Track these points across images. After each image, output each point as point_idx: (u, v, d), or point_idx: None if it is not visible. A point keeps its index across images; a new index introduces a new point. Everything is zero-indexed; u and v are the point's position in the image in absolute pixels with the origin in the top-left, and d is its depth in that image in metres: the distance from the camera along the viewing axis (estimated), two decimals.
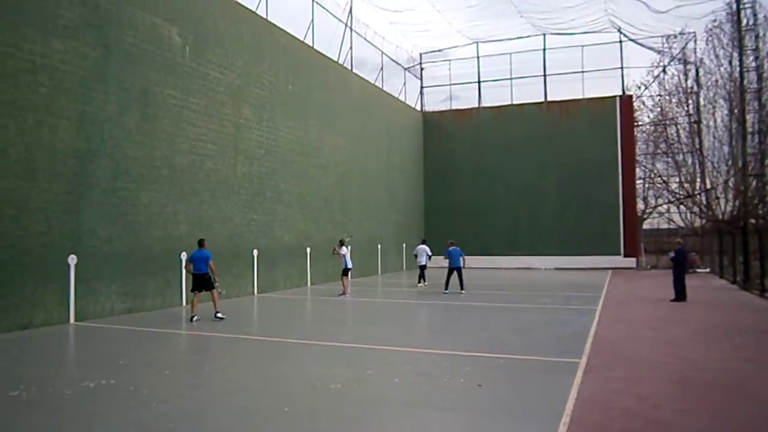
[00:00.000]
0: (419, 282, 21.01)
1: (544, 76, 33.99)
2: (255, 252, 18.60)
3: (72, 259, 12.49)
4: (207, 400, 6.72)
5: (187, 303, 15.53)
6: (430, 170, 35.41)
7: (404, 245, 31.59)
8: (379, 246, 28.26)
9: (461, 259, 18.87)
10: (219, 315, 12.90)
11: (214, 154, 17.00)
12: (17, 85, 11.53)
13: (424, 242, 21.88)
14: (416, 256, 21.30)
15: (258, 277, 18.69)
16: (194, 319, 12.75)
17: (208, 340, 10.95)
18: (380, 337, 11.07)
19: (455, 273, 18.86)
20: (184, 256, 15.05)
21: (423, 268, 21.10)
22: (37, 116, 11.91)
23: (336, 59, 25.50)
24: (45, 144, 12.05)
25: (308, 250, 21.77)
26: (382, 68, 30.94)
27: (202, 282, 12.99)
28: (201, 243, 13.24)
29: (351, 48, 27.24)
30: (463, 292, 18.44)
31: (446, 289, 18.64)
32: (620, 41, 32.76)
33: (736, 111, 24.74)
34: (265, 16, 20.12)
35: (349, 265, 18.50)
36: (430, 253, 21.20)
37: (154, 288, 14.73)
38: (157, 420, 5.92)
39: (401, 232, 31.37)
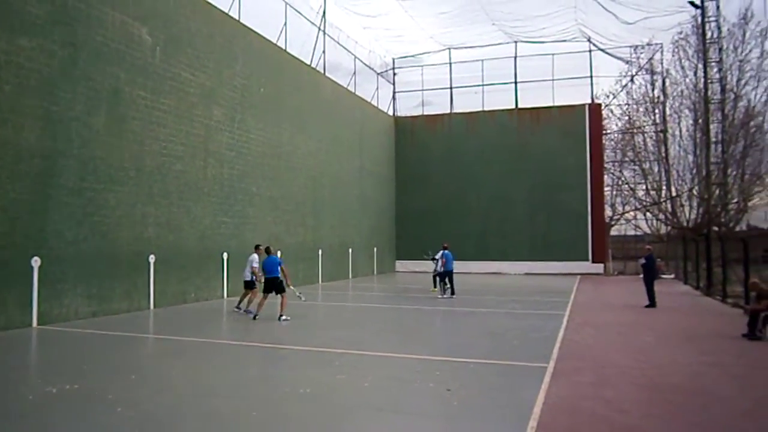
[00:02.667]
0: (446, 291, 19.36)
1: (515, 83, 34.39)
2: (225, 255, 18.42)
3: (35, 261, 12.21)
4: (173, 404, 6.62)
5: (155, 306, 15.31)
6: (402, 175, 35.51)
7: (375, 249, 31.62)
8: (350, 250, 28.23)
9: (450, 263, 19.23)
10: (284, 318, 13.20)
11: (184, 156, 16.80)
12: None
13: (446, 249, 19.76)
14: (434, 259, 20.32)
15: (228, 280, 18.49)
16: (256, 317, 13.35)
17: (176, 344, 10.79)
18: (351, 341, 11.04)
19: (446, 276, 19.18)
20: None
21: (439, 275, 19.76)
22: (1, 114, 11.62)
23: (309, 63, 25.43)
24: (9, 143, 11.76)
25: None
26: (354, 73, 30.96)
27: (274, 285, 13.52)
28: (268, 250, 14.03)
29: (324, 52, 27.20)
30: (454, 296, 18.85)
31: (450, 293, 18.98)
32: (590, 50, 33.34)
33: (700, 121, 25.31)
34: (237, 18, 19.97)
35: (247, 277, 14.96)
36: (436, 257, 20.09)
37: (121, 291, 14.46)
38: (121, 425, 5.81)
39: (372, 237, 31.39)
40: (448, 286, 19.06)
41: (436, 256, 20.01)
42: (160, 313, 14.86)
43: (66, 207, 13.02)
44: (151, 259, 15.32)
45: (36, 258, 12.23)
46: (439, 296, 18.64)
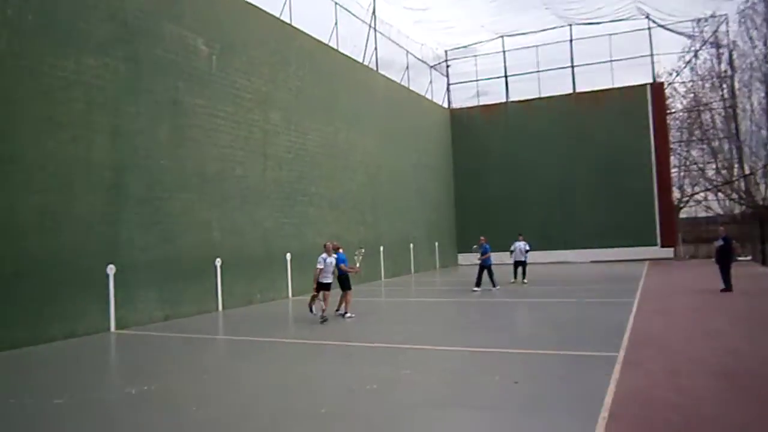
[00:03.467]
0: (517, 279, 20.44)
1: (572, 67, 33.56)
2: (288, 255, 18.77)
3: (110, 269, 12.78)
4: (244, 402, 6.81)
5: (224, 308, 15.76)
6: (460, 167, 35.24)
7: (436, 244, 31.53)
8: (411, 246, 28.25)
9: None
10: (348, 315, 13.48)
11: (243, 161, 17.21)
12: (53, 102, 11.85)
13: (520, 237, 20.97)
14: (512, 252, 20.63)
15: (292, 280, 18.85)
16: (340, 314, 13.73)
17: (245, 344, 11.09)
18: (415, 336, 11.07)
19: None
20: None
21: (519, 264, 20.48)
22: (73, 131, 12.21)
23: (361, 61, 25.57)
24: (81, 158, 12.34)
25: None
26: (407, 67, 30.92)
27: (341, 282, 13.76)
28: (337, 248, 14.00)
29: (376, 49, 27.28)
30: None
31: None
32: (649, 28, 32.11)
33: None
34: (289, 22, 20.28)
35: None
36: (528, 248, 20.62)
37: (190, 295, 14.97)
38: (197, 423, 6.03)
39: (433, 231, 31.31)
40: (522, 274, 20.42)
41: (512, 248, 20.54)
42: (229, 314, 15.29)
43: (135, 216, 13.57)
44: (218, 262, 15.78)
45: (111, 265, 12.80)
46: (492, 288, 18.33)
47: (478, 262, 18.74)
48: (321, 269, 12.81)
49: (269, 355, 9.84)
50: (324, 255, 12.97)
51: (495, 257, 19.06)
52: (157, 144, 14.32)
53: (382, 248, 25.19)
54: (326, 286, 12.93)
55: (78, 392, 7.46)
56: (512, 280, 20.32)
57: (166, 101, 14.64)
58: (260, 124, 18.05)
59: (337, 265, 13.57)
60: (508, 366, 8.04)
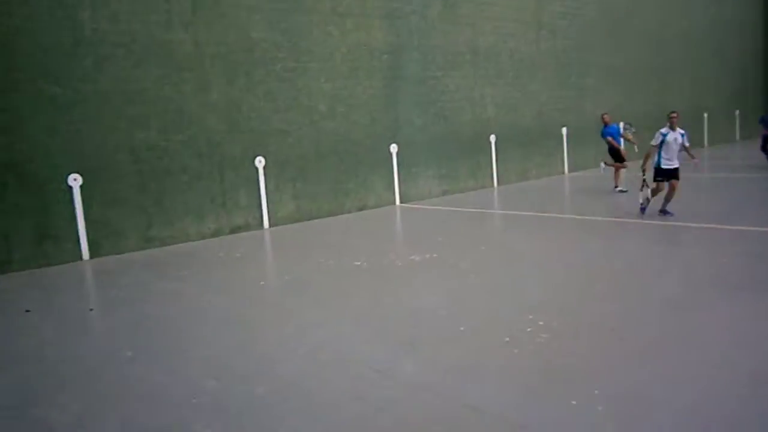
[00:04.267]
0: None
1: None
2: (564, 130, 18.10)
3: (394, 148, 13.77)
4: (518, 272, 6.99)
5: (498, 184, 16.08)
6: None
7: (737, 113, 27.39)
8: (706, 115, 25.00)
9: None
10: (619, 189, 13.32)
11: (515, 32, 16.62)
12: None
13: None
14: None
15: (568, 155, 18.26)
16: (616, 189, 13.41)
17: (518, 218, 11.24)
18: (709, 214, 10.04)
19: None
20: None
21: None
22: (355, 19, 12.99)
23: None
24: (363, 44, 13.16)
25: (620, 125, 20.36)
26: None
27: (613, 154, 13.68)
28: (604, 118, 14.01)
29: None
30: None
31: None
32: None
33: None
34: None
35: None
36: None
37: (466, 171, 15.49)
38: (472, 288, 6.41)
39: (733, 99, 27.12)
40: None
41: None
42: (503, 190, 15.55)
43: (413, 96, 14.21)
44: (492, 138, 15.93)
45: (394, 144, 13.78)
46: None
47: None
48: (655, 147, 9.88)
49: (543, 228, 9.85)
50: (664, 129, 9.93)
51: None
52: (430, 24, 14.52)
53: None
54: (669, 173, 9.81)
55: (372, 256, 8.42)
56: None
57: None
58: None
59: (608, 135, 12.91)
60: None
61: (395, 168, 13.84)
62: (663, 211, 9.87)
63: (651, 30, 21.78)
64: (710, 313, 5.21)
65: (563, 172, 18.20)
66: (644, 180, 10.11)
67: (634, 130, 14.80)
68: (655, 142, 9.82)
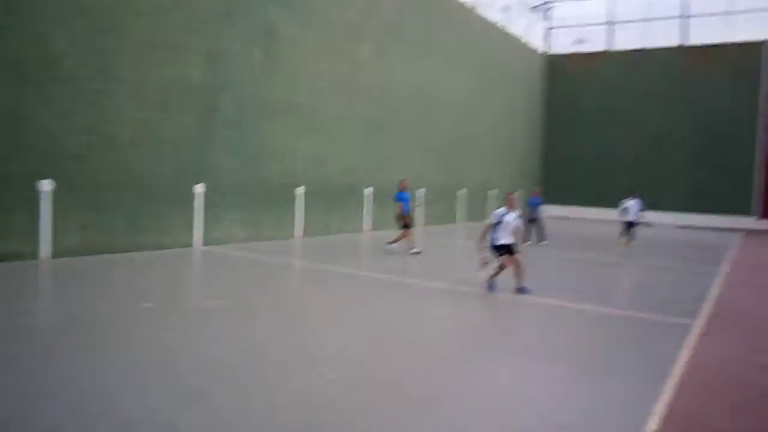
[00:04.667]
0: (627, 241, 17.36)
1: (684, 17, 31.19)
2: (368, 190, 18.97)
3: (199, 188, 13.34)
4: (316, 323, 7.06)
5: (302, 235, 16.26)
6: (553, 115, 34.06)
7: (520, 192, 30.89)
8: (495, 191, 27.85)
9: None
10: (413, 250, 13.83)
11: (332, 92, 17.29)
12: (155, 24, 12.20)
13: (631, 195, 17.97)
14: (622, 211, 17.62)
15: (370, 214, 19.11)
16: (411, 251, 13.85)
17: (316, 271, 11.41)
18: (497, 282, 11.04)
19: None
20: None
21: (629, 224, 17.47)
22: (173, 52, 12.58)
23: None
24: (178, 78, 12.76)
25: (423, 191, 21.89)
26: (506, 8, 29.67)
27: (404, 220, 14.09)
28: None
29: None
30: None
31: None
32: None
33: None
34: None
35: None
36: (641, 210, 17.69)
37: (271, 219, 15.48)
38: (270, 335, 6.34)
39: (517, 179, 30.67)
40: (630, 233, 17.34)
41: (623, 206, 17.60)
42: (306, 242, 15.75)
43: (225, 139, 14.01)
44: (299, 190, 16.17)
45: (200, 184, 13.35)
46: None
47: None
48: (490, 226, 9.61)
49: (337, 284, 10.10)
50: (501, 210, 9.67)
51: (575, 212, 18.42)
52: (249, 70, 14.57)
53: (464, 191, 24.97)
54: (502, 249, 9.50)
55: (162, 299, 7.96)
56: (626, 243, 17.29)
57: (260, 28, 14.77)
58: (351, 55, 17.98)
59: (400, 201, 14.01)
60: (581, 321, 7.91)
61: (199, 209, 13.38)
62: (520, 289, 9.44)
63: (456, 109, 23.99)
64: (479, 371, 5.70)
65: (364, 230, 18.96)
66: (482, 259, 9.62)
67: (418, 204, 15.82)
68: (492, 221, 9.56)
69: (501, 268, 9.64)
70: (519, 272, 9.47)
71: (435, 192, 22.76)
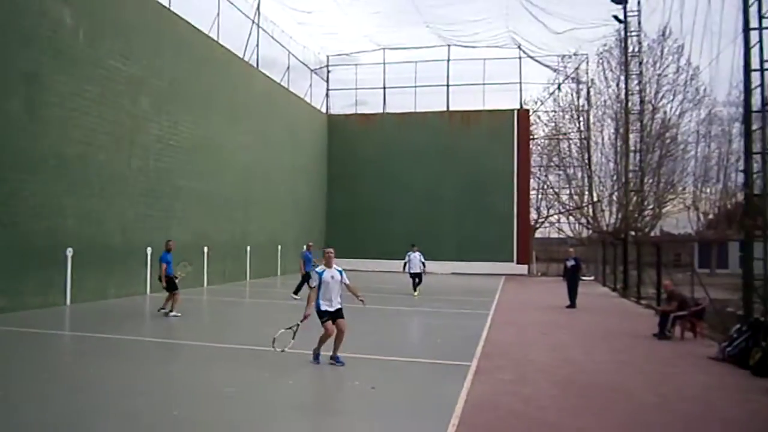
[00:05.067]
0: (415, 290, 19.54)
1: (447, 85, 34.93)
2: (149, 250, 17.85)
3: None
4: (90, 404, 6.39)
5: (72, 302, 14.69)
6: (334, 173, 35.46)
7: (305, 247, 31.34)
8: (280, 247, 27.94)
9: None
10: (174, 314, 13.28)
11: (107, 146, 16.17)
12: None
13: (414, 248, 20.13)
14: (407, 263, 19.96)
15: (152, 275, 17.94)
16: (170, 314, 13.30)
17: (91, 342, 10.40)
18: (277, 339, 10.94)
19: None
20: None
21: (415, 275, 19.74)
22: None
23: (242, 56, 24.99)
24: None
25: (206, 249, 21.18)
26: (288, 68, 30.64)
27: (169, 283, 13.66)
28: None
29: (257, 45, 26.78)
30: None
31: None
32: (520, 57, 34.23)
33: (621, 130, 26.39)
34: (168, 6, 19.38)
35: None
36: (423, 260, 19.98)
37: (34, 285, 13.78)
38: (32, 427, 5.56)
39: (303, 234, 31.14)
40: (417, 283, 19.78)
41: (407, 259, 20.04)
42: (77, 309, 14.27)
43: None
44: (69, 252, 14.68)
45: None
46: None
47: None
48: (314, 289, 8.61)
49: (120, 353, 9.30)
50: (319, 268, 8.78)
51: (360, 264, 19.23)
52: (8, 119, 13.09)
53: (249, 248, 24.68)
54: (332, 314, 8.50)
55: None
56: (414, 293, 19.24)
57: (21, 73, 13.42)
58: (129, 109, 17.07)
59: (164, 262, 13.74)
60: (366, 372, 8.17)
61: None
62: (334, 358, 8.50)
63: (240, 165, 23.82)
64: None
65: (146, 293, 17.72)
66: (298, 325, 8.72)
67: (189, 269, 15.33)
68: (313, 283, 8.57)
69: (327, 336, 8.46)
70: (339, 340, 8.51)
71: (221, 249, 22.20)
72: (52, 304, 14.21)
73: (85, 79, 15.31)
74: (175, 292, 13.57)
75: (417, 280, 19.69)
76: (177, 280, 13.82)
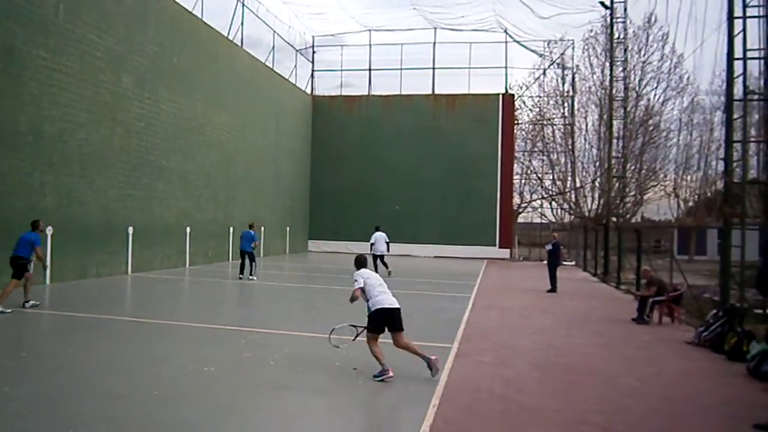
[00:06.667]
0: (388, 270, 19.42)
1: (433, 68, 34.80)
2: (130, 229, 17.69)
3: None
4: (68, 383, 6.34)
5: (52, 281, 14.53)
6: (318, 154, 35.27)
7: (288, 228, 31.32)
8: (263, 228, 27.81)
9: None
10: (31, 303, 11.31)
11: (88, 123, 15.93)
12: None
13: (379, 229, 20.54)
14: (373, 244, 20.10)
15: (133, 255, 17.80)
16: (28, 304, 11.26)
17: (71, 320, 10.32)
18: (258, 319, 10.95)
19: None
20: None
21: (382, 257, 20.03)
22: None
23: (226, 35, 24.66)
24: None
25: (188, 229, 21.04)
26: (273, 48, 30.32)
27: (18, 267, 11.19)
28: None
29: (242, 24, 26.44)
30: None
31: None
32: (506, 42, 34.18)
33: (604, 116, 26.57)
34: None
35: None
36: (388, 240, 20.43)
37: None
38: (7, 404, 5.52)
39: (286, 215, 31.09)
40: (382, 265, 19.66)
41: (372, 240, 20.28)
42: (58, 288, 14.13)
43: None
44: (49, 231, 14.49)
45: None
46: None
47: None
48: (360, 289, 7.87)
49: (101, 332, 9.23)
50: (363, 270, 8.15)
51: (346, 246, 19.27)
52: None
53: (232, 229, 24.54)
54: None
55: None
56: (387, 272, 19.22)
57: None
58: (110, 86, 16.80)
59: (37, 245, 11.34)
60: (349, 353, 8.19)
61: None
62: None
63: (223, 145, 23.60)
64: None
65: (127, 272, 17.59)
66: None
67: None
68: (359, 283, 7.93)
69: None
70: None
71: (203, 230, 22.07)
72: (32, 283, 14.01)
73: (64, 54, 15.01)
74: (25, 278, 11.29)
75: (380, 260, 19.92)
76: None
